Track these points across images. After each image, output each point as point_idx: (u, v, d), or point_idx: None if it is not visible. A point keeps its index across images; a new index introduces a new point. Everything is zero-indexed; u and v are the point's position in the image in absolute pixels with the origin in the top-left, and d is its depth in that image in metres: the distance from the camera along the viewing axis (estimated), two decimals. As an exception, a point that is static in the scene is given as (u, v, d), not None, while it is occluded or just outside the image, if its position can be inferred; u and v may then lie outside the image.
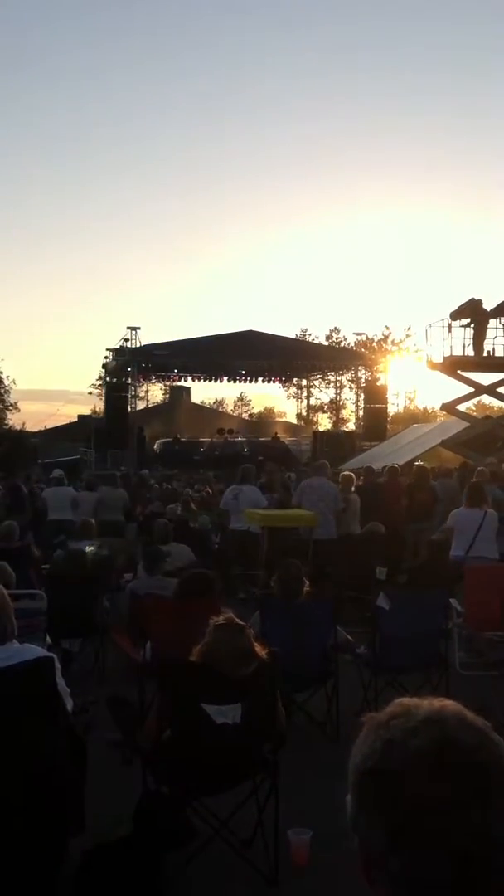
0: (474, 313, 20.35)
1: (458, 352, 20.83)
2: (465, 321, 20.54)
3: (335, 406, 49.91)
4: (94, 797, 3.89)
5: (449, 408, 23.61)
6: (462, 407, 24.06)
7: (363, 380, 38.24)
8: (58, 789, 3.57)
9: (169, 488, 20.15)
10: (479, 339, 20.44)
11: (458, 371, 21.60)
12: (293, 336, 51.29)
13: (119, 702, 4.50)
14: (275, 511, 11.09)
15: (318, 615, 6.25)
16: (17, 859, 3.56)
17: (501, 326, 20.57)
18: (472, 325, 20.44)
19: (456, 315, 20.57)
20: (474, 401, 28.24)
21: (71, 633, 7.15)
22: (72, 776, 3.66)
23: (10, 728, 3.44)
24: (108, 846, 3.87)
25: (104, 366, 37.15)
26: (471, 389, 22.30)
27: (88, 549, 8.76)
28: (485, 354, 20.58)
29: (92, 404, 57.67)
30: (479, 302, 20.31)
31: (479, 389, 22.36)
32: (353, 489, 12.52)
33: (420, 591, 7.29)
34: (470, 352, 20.67)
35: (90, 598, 7.43)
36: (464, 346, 20.71)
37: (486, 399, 30.69)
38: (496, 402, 27.08)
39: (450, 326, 20.80)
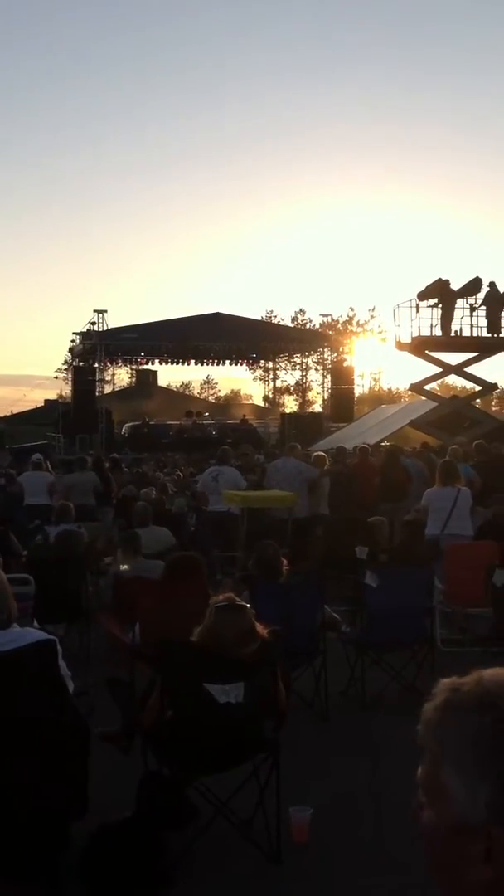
0: (442, 293, 20.46)
1: (425, 332, 20.98)
2: (432, 301, 20.66)
3: (301, 388, 49.92)
4: (96, 779, 3.88)
5: (417, 388, 23.77)
6: (428, 387, 24.25)
7: (329, 361, 38.26)
8: (62, 772, 3.56)
9: (139, 472, 20.04)
10: (446, 319, 20.57)
11: (426, 351, 21.75)
12: (259, 318, 51.22)
13: (119, 683, 4.49)
14: (255, 492, 11.10)
15: (306, 594, 6.27)
16: (21, 842, 3.55)
17: (468, 307, 20.71)
18: (440, 306, 20.55)
19: (423, 295, 20.69)
20: (438, 381, 28.46)
21: (56, 618, 7.10)
22: (76, 759, 3.65)
23: (15, 711, 3.42)
24: (111, 827, 3.88)
25: (71, 349, 36.84)
26: (438, 369, 22.46)
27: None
28: (452, 334, 20.72)
29: (58, 389, 57.25)
30: (447, 282, 20.43)
31: (447, 369, 22.54)
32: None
33: (404, 569, 7.33)
34: (437, 332, 20.80)
35: (75, 581, 7.38)
36: (431, 327, 20.86)
37: (450, 379, 31.02)
38: (460, 383, 27.32)
39: (417, 307, 20.94)
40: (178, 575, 6.04)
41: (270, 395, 52.62)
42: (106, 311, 32.30)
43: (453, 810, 1.12)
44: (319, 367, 41.91)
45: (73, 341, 35.75)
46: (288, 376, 49.03)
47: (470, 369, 22.34)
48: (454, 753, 1.13)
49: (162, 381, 53.25)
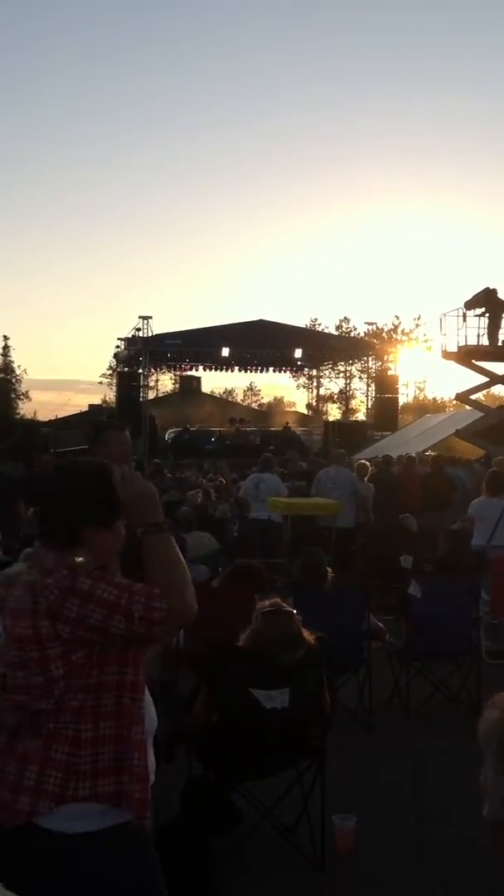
0: (489, 303, 20.34)
1: (472, 341, 20.86)
2: (479, 310, 20.54)
3: (345, 396, 49.76)
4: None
5: (463, 397, 23.60)
6: (473, 397, 24.06)
7: (373, 370, 38.12)
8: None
9: (181, 477, 20.14)
10: (493, 328, 20.44)
11: (473, 360, 21.60)
12: (303, 325, 51.16)
13: (164, 687, 4.50)
14: (298, 499, 11.09)
15: (351, 602, 6.24)
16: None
17: (516, 316, 20.52)
18: (487, 315, 20.43)
19: (470, 304, 20.58)
20: (484, 391, 28.21)
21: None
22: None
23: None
24: (154, 830, 3.88)
25: (115, 355, 37.22)
26: (485, 379, 22.29)
27: None
28: (499, 344, 20.56)
29: (103, 394, 57.78)
30: (494, 291, 20.29)
31: (494, 379, 22.34)
32: (366, 479, 12.50)
33: (450, 579, 7.27)
34: (484, 341, 20.67)
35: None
36: (478, 336, 20.74)
37: (496, 389, 30.71)
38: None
39: (464, 316, 20.82)
40: (237, 581, 6.05)
41: (314, 403, 52.56)
42: (151, 318, 32.56)
43: (494, 807, 1.19)
44: (363, 376, 41.77)
45: (117, 347, 36.11)
46: (332, 384, 48.99)
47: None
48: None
49: (205, 387, 53.42)
